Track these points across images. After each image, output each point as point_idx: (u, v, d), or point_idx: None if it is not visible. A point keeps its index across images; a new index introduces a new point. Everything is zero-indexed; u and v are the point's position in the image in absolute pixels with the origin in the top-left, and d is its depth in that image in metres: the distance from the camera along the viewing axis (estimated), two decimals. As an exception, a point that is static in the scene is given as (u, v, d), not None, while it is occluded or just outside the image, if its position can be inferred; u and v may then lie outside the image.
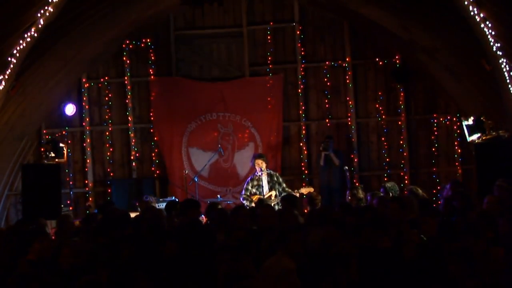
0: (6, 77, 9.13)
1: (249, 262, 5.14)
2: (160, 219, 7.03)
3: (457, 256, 4.90)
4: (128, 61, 13.48)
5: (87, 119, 13.50)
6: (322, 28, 13.46)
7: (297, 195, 10.86)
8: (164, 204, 9.47)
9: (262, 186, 10.98)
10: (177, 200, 11.06)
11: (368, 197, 8.88)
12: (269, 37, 13.45)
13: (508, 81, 8.83)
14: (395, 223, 6.38)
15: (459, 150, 13.12)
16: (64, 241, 6.58)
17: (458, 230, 5.91)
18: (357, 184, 12.30)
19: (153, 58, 13.47)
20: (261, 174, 11.07)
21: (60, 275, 5.61)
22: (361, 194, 9.46)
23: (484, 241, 5.55)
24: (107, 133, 13.55)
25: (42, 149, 12.75)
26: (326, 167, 12.36)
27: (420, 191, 8.79)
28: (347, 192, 9.59)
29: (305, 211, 10.54)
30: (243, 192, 11.16)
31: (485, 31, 8.42)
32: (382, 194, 8.79)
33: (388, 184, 9.62)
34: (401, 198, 8.03)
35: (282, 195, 10.87)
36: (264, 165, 11.15)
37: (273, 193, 10.91)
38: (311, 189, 11.14)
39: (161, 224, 6.96)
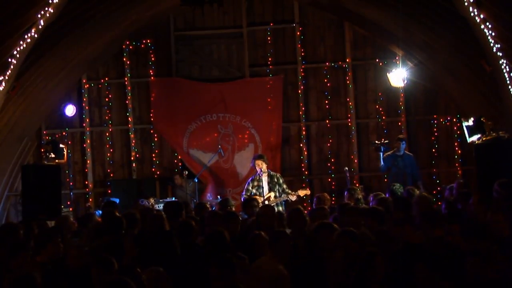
0: (6, 78, 9.13)
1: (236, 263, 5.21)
2: (161, 220, 7.03)
3: (475, 254, 4.91)
4: (128, 62, 13.49)
5: (87, 120, 13.50)
6: (322, 29, 13.47)
7: (294, 197, 10.89)
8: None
9: (262, 187, 10.96)
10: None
11: (371, 198, 8.87)
12: (269, 38, 13.46)
13: (508, 82, 8.82)
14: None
15: (459, 151, 13.13)
16: (67, 243, 6.58)
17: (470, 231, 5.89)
18: (357, 184, 12.32)
19: (153, 58, 13.47)
20: (261, 174, 11.07)
21: (68, 276, 5.64)
22: (359, 194, 9.47)
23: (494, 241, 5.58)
24: (107, 134, 13.55)
25: (42, 150, 12.73)
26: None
27: (416, 191, 8.78)
28: (345, 193, 9.59)
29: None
30: (244, 192, 11.15)
31: (485, 32, 8.41)
32: (383, 195, 8.77)
33: (395, 186, 9.59)
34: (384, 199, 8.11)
35: (282, 196, 10.89)
36: (264, 166, 11.13)
37: (272, 194, 10.90)
38: (308, 192, 11.16)
39: (162, 225, 6.97)
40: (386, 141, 11.73)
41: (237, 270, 5.20)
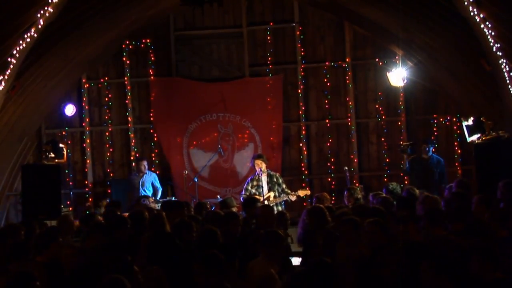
0: (6, 77, 9.12)
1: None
2: (162, 220, 7.04)
3: (479, 253, 4.93)
4: (128, 62, 13.48)
5: (87, 120, 13.50)
6: (322, 28, 13.47)
7: (294, 197, 10.89)
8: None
9: (262, 187, 10.97)
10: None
11: (371, 198, 8.87)
12: (269, 38, 13.46)
13: (508, 81, 8.82)
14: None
15: (459, 151, 13.12)
16: (64, 242, 6.58)
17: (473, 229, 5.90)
18: (357, 184, 12.32)
19: (153, 58, 13.47)
20: (261, 174, 11.07)
21: (66, 277, 5.63)
22: (358, 194, 9.46)
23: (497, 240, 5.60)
24: (107, 134, 13.55)
25: (42, 150, 12.73)
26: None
27: (417, 191, 8.78)
28: (345, 192, 9.58)
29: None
30: (243, 192, 11.16)
31: (485, 31, 8.41)
32: (384, 195, 8.77)
33: (391, 185, 9.60)
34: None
35: (282, 196, 10.88)
36: (263, 166, 11.14)
37: (272, 194, 10.91)
38: (308, 192, 11.16)
39: (163, 225, 6.98)
40: (411, 142, 11.75)
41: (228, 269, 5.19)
